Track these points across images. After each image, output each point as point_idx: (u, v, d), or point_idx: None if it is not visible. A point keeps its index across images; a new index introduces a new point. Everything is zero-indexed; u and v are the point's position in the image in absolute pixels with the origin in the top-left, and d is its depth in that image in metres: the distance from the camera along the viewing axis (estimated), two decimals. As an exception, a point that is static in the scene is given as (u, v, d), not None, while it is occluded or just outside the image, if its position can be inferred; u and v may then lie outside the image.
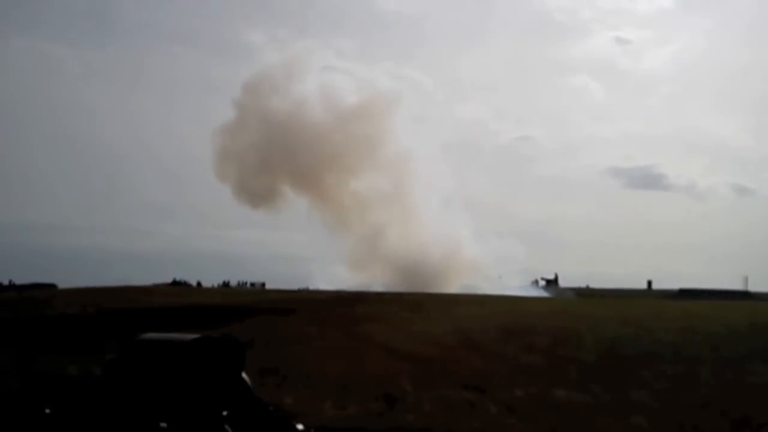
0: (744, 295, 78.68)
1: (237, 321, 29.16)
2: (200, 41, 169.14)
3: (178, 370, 11.26)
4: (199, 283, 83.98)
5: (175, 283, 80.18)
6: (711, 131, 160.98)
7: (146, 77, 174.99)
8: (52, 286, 73.18)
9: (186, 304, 35.94)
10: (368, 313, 31.40)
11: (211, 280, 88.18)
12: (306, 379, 20.01)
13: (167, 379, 11.18)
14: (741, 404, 17.08)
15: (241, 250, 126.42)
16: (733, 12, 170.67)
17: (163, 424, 10.72)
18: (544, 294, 66.00)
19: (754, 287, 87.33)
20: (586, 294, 77.57)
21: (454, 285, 59.32)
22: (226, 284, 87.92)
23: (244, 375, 12.00)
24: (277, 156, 64.48)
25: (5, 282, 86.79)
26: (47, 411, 11.96)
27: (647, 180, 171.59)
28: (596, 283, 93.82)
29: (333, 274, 64.37)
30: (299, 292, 57.81)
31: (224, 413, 11.20)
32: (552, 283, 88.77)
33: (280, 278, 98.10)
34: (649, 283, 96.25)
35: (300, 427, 12.29)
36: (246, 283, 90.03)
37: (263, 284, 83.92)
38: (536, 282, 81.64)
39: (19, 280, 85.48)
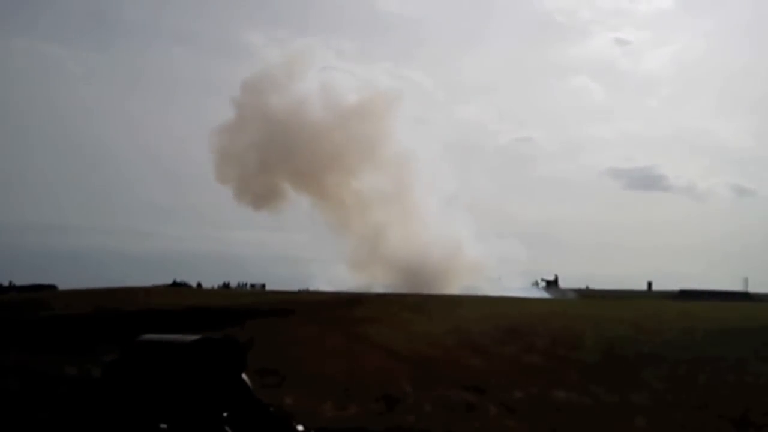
0: (744, 296, 78.67)
1: (237, 322, 29.14)
2: (200, 42, 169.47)
3: (179, 371, 11.25)
4: (199, 284, 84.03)
5: (176, 284, 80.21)
6: (711, 132, 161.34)
7: (146, 78, 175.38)
8: (52, 288, 73.28)
9: (186, 306, 35.95)
10: (368, 314, 31.43)
11: (211, 281, 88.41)
12: (306, 379, 19.99)
13: (167, 381, 11.17)
14: (741, 405, 17.06)
15: (241, 251, 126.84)
16: (733, 12, 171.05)
17: (164, 426, 10.71)
18: (544, 295, 66.02)
19: (754, 288, 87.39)
20: (586, 295, 77.57)
21: (455, 286, 59.28)
22: (226, 285, 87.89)
23: (244, 376, 12.00)
24: (277, 156, 63.97)
25: (5, 283, 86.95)
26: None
27: (647, 181, 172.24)
28: (596, 284, 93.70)
29: (333, 275, 64.48)
30: (299, 293, 57.83)
31: (224, 414, 11.20)
32: (552, 284, 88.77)
33: (280, 279, 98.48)
34: (650, 284, 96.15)
35: (300, 428, 12.26)
36: (246, 284, 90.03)
37: (263, 285, 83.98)
38: (536, 283, 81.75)
39: (19, 281, 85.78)
